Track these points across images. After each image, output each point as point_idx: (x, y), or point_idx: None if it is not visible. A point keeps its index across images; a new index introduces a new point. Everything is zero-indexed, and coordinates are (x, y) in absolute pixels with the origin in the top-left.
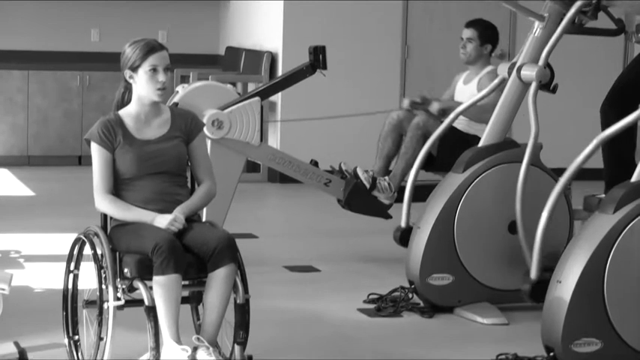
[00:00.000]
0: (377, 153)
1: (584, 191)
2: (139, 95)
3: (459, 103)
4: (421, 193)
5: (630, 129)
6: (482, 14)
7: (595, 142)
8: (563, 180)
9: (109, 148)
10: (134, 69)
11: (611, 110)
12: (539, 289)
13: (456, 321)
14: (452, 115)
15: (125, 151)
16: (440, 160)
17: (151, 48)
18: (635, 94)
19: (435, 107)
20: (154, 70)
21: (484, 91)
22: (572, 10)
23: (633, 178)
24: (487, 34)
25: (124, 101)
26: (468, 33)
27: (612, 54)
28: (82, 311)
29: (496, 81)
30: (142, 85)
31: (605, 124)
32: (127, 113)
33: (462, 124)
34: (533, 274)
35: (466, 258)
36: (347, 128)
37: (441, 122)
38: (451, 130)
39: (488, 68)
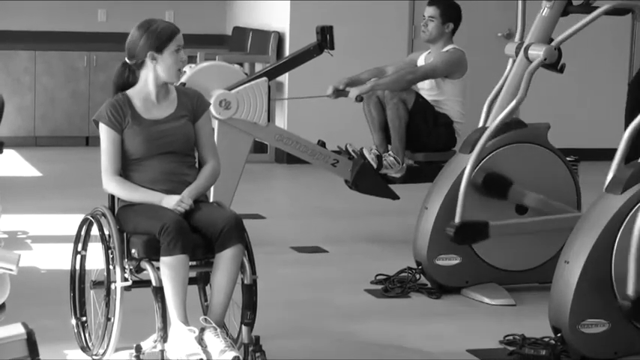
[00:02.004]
0: (370, 128)
1: (596, 171)
2: (156, 75)
3: (379, 84)
4: (428, 173)
5: None
6: None
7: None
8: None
9: (117, 129)
10: (160, 50)
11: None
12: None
13: (464, 302)
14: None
15: (134, 131)
16: (410, 132)
17: (174, 28)
18: None
19: (353, 94)
20: (178, 50)
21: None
22: None
23: None
24: (449, 12)
25: (128, 82)
26: (430, 11)
27: (619, 34)
28: (90, 292)
29: (509, 67)
30: (167, 66)
31: (632, 100)
32: (136, 94)
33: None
34: (631, 290)
35: None
36: (354, 109)
37: (414, 90)
38: (425, 101)
39: (450, 47)
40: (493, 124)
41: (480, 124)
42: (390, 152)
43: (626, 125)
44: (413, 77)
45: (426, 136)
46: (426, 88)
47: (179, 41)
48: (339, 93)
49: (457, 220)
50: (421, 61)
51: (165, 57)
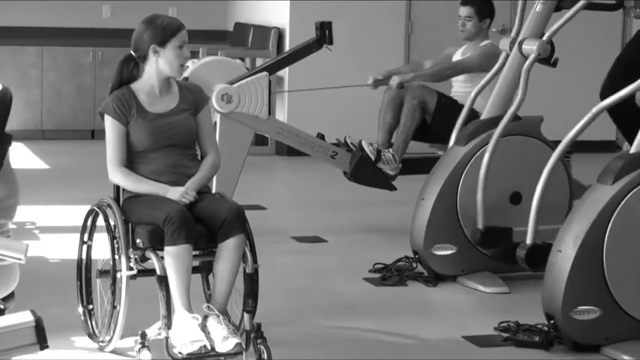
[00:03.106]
0: (378, 126)
1: (586, 162)
2: (158, 70)
3: (420, 75)
4: (424, 165)
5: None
6: None
7: (594, 110)
8: (560, 148)
9: (122, 122)
10: (163, 44)
11: (610, 93)
12: (534, 255)
13: (459, 290)
14: (473, 94)
15: (139, 124)
16: (434, 130)
17: (179, 23)
18: (630, 76)
19: (394, 81)
20: (181, 46)
21: (493, 70)
22: None
23: (632, 150)
24: (484, 9)
25: (132, 76)
26: (465, 11)
27: (611, 29)
28: (96, 281)
29: (501, 58)
30: (169, 61)
31: (612, 111)
32: (140, 87)
33: (459, 97)
34: (529, 239)
35: (468, 228)
36: (352, 102)
37: (436, 91)
38: (450, 100)
39: (486, 42)
40: (501, 123)
41: (463, 113)
42: (390, 150)
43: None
44: (452, 72)
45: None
46: (460, 81)
47: (183, 37)
48: (379, 82)
49: (480, 225)
50: (457, 56)
51: (168, 51)
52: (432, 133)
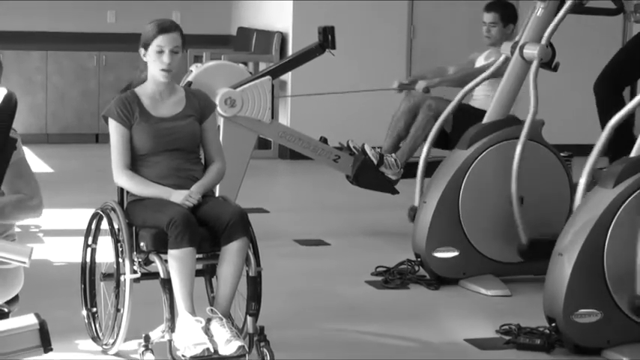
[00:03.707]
0: (388, 131)
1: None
2: (150, 74)
3: (446, 80)
4: (428, 169)
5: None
6: None
7: (609, 127)
8: (588, 166)
9: (126, 125)
10: (145, 47)
11: (602, 87)
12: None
13: (461, 293)
14: (461, 93)
15: (141, 127)
16: (454, 138)
17: (161, 29)
18: (623, 73)
19: (420, 86)
20: (161, 51)
21: (490, 70)
22: None
23: (632, 154)
24: (508, 14)
25: (143, 79)
26: (490, 17)
27: (612, 33)
28: (100, 284)
29: (500, 60)
30: (150, 64)
31: (599, 102)
32: (143, 91)
33: (479, 101)
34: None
35: (471, 232)
36: (355, 106)
37: (450, 101)
38: (466, 107)
39: None
40: (523, 131)
41: (449, 108)
42: (393, 154)
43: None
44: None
45: None
46: (480, 85)
47: (161, 42)
48: (404, 86)
49: (524, 239)
50: (480, 62)
51: (149, 55)
52: (452, 142)
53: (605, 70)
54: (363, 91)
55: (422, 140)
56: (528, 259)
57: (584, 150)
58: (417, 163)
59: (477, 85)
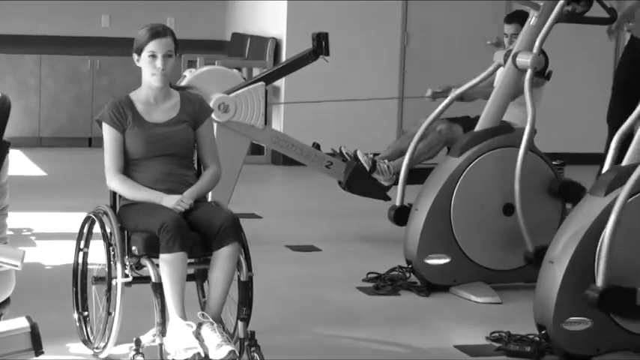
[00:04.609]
0: (392, 142)
1: (579, 174)
2: (144, 79)
3: (480, 92)
4: (418, 175)
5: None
6: (480, 2)
7: (616, 140)
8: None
9: (119, 129)
10: (139, 52)
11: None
12: (609, 298)
13: (452, 300)
14: (450, 97)
15: (134, 132)
16: None
17: (153, 34)
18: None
19: (428, 92)
20: (153, 55)
21: (481, 76)
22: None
23: (623, 163)
24: None
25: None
26: (511, 29)
27: (604, 42)
28: (92, 287)
29: (491, 68)
30: (144, 69)
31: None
32: (137, 96)
33: (513, 117)
34: (600, 282)
35: (462, 239)
36: (348, 112)
37: (464, 128)
38: (474, 123)
39: None
40: (523, 141)
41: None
42: (385, 160)
43: (610, 128)
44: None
45: None
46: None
47: (155, 47)
48: (437, 94)
49: (530, 247)
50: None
51: (142, 60)
52: None
53: (611, 101)
54: (357, 100)
55: (424, 160)
56: (535, 266)
57: (576, 159)
58: (411, 170)
59: (469, 89)
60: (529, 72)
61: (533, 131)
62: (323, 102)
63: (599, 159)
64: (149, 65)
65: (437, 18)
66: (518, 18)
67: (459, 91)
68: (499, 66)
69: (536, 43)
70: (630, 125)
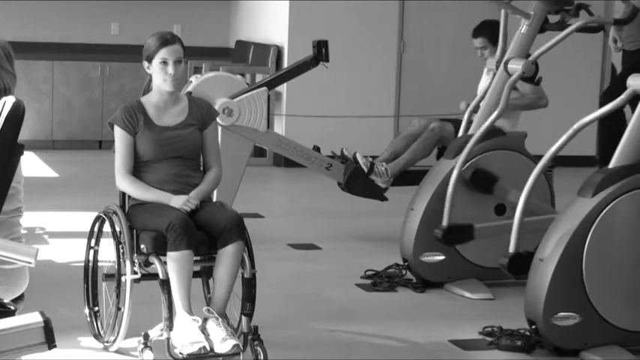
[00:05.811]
0: (388, 145)
1: (567, 176)
2: (155, 84)
3: (511, 105)
4: (413, 176)
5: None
6: (473, 12)
7: (575, 127)
8: (542, 162)
9: (130, 132)
10: (149, 60)
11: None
12: (517, 263)
13: (446, 296)
14: (490, 119)
15: (145, 136)
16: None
17: (163, 41)
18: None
19: (462, 106)
20: (164, 62)
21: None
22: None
23: (610, 165)
24: (494, 34)
25: (150, 88)
26: (478, 43)
27: (592, 49)
28: (102, 284)
29: (489, 77)
30: (155, 76)
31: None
32: (148, 100)
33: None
34: (512, 248)
35: None
36: (347, 117)
37: (455, 128)
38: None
39: None
40: (478, 131)
41: (461, 133)
42: (383, 163)
43: (600, 131)
44: (540, 103)
45: None
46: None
47: (166, 54)
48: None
49: (445, 222)
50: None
51: (154, 67)
52: None
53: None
54: (356, 117)
55: (419, 159)
56: (447, 243)
57: (565, 161)
58: (404, 172)
59: (477, 106)
60: (515, 74)
61: (520, 135)
62: (323, 107)
63: (587, 161)
64: (161, 72)
65: (432, 26)
66: (483, 30)
67: (495, 113)
68: (494, 74)
69: (536, 53)
70: (593, 120)
